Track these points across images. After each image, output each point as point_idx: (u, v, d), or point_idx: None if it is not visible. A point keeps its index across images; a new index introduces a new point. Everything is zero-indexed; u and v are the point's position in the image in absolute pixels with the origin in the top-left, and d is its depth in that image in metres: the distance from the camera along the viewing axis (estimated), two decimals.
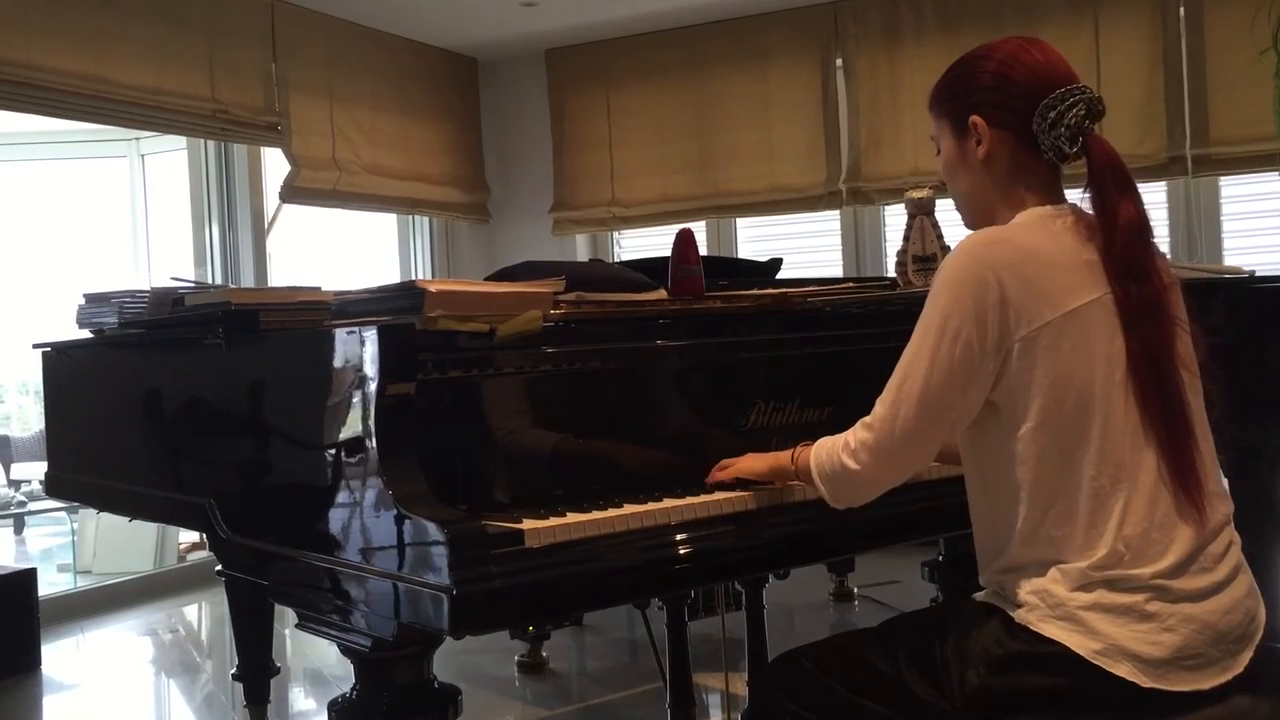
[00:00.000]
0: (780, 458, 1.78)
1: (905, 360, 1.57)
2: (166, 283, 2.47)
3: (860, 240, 6.18)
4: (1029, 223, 1.61)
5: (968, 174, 1.69)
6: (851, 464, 1.61)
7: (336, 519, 1.65)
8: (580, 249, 6.77)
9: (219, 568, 2.42)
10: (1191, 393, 1.56)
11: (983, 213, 1.70)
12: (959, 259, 1.55)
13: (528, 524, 1.51)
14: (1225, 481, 1.62)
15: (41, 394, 2.91)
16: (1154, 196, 5.41)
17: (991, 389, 1.54)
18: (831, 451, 1.64)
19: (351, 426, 1.61)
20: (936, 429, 1.57)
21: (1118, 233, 1.53)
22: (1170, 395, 1.51)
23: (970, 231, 1.68)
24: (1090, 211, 1.59)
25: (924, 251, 2.47)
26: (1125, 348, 1.51)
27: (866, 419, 1.60)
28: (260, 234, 5.73)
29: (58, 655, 4.36)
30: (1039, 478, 1.52)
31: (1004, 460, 1.55)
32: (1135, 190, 1.57)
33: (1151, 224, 1.58)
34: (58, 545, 7.11)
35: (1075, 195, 1.64)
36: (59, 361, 2.81)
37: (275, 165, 5.68)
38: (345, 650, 1.71)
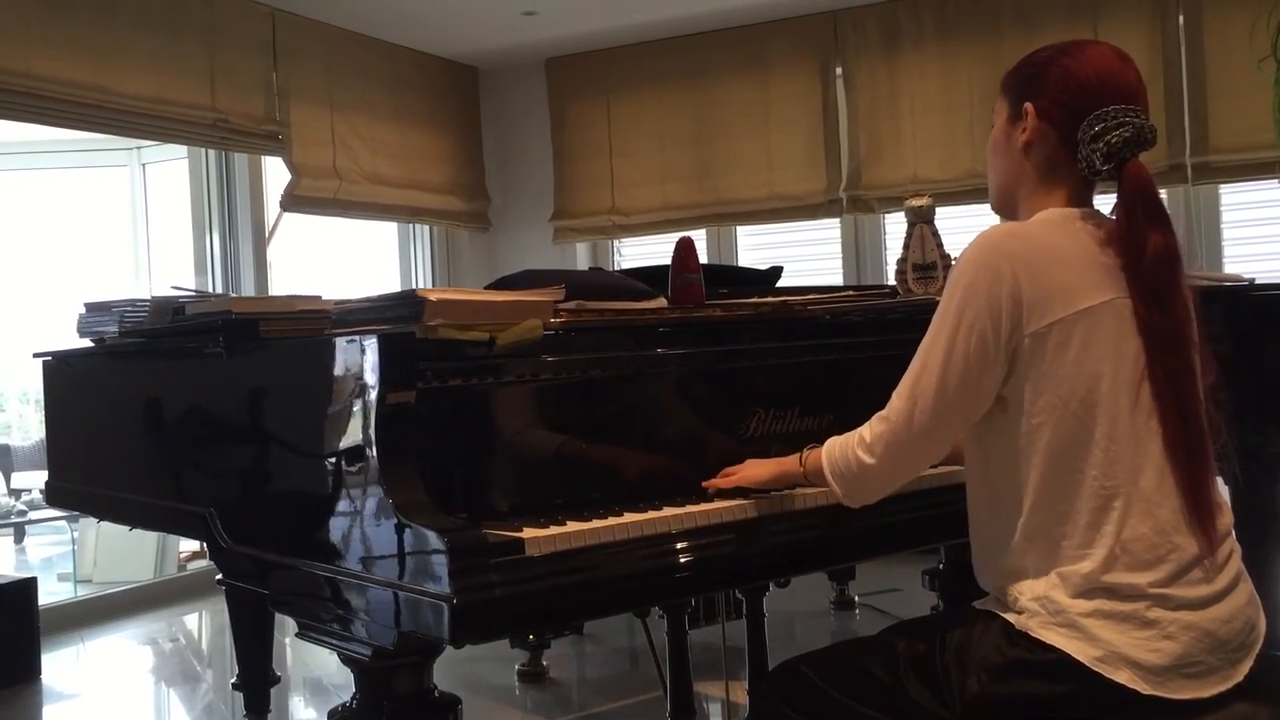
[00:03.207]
0: (785, 463, 1.78)
1: (922, 352, 1.58)
2: (167, 291, 2.47)
3: (860, 248, 6.18)
4: (1048, 220, 1.62)
5: (1005, 158, 1.69)
6: (868, 459, 1.62)
7: (337, 528, 1.65)
8: (580, 257, 6.77)
9: (219, 577, 2.41)
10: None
11: (1008, 200, 1.71)
12: (975, 252, 1.56)
13: (528, 533, 1.51)
14: (1226, 491, 1.63)
15: (42, 403, 2.91)
16: None
17: (1002, 383, 1.55)
18: (845, 448, 1.65)
19: (352, 435, 1.61)
20: (953, 421, 1.58)
21: (1145, 261, 1.52)
22: (1191, 421, 1.52)
23: (994, 214, 1.70)
24: (1113, 219, 1.58)
25: (924, 260, 2.48)
26: (1148, 371, 1.51)
27: (882, 413, 1.61)
28: (261, 243, 5.73)
29: (58, 665, 4.35)
30: (1043, 475, 1.52)
31: (1009, 455, 1.56)
32: (1166, 220, 1.55)
33: (1182, 254, 1.56)
34: (58, 554, 7.11)
35: (1101, 203, 1.64)
36: (59, 370, 2.82)
37: (276, 174, 5.68)
38: (345, 659, 1.70)
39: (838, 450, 1.67)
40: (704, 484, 1.80)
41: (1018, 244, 1.56)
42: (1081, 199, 1.65)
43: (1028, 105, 1.64)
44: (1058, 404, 1.51)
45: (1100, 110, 1.57)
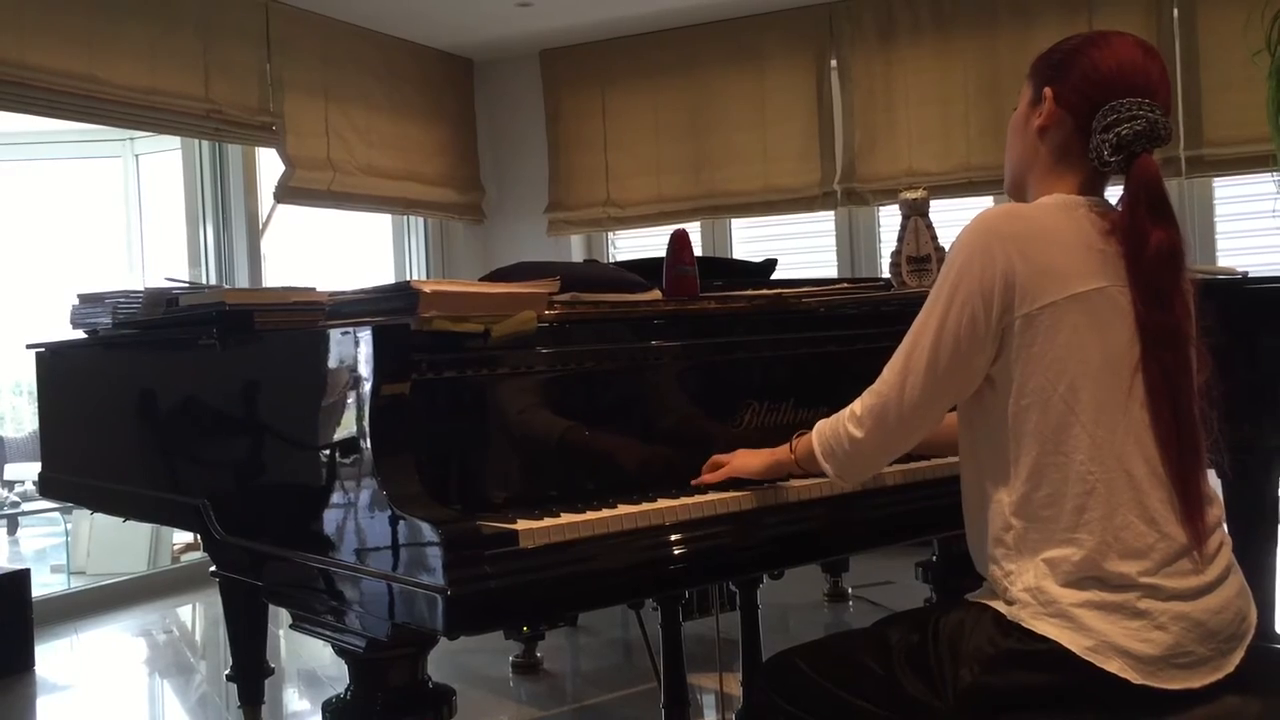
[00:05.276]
0: (776, 451, 1.79)
1: (915, 328, 1.60)
2: (161, 283, 2.47)
3: (855, 241, 6.18)
4: (1051, 203, 1.62)
5: (1022, 140, 1.70)
6: (858, 433, 1.63)
7: (331, 519, 1.65)
8: (575, 249, 6.77)
9: (213, 568, 2.42)
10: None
11: (1019, 182, 1.72)
12: (971, 231, 1.57)
13: (522, 525, 1.51)
14: (1218, 484, 1.63)
15: (35, 394, 2.91)
16: None
17: (991, 363, 1.56)
18: (835, 425, 1.67)
19: (346, 427, 1.61)
20: (943, 396, 1.60)
21: (1146, 257, 1.52)
22: (1184, 416, 1.52)
23: (1006, 197, 1.71)
24: (1119, 210, 1.58)
25: (918, 252, 2.48)
26: (1144, 367, 1.52)
27: (873, 386, 1.63)
28: (255, 234, 5.72)
29: (51, 656, 4.35)
30: (1032, 456, 1.53)
31: (999, 435, 1.57)
32: (1170, 217, 1.55)
33: (1185, 252, 1.55)
34: (51, 546, 7.09)
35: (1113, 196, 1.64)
36: (53, 362, 2.81)
37: (270, 165, 5.67)
38: (339, 651, 1.71)
39: (828, 429, 1.69)
40: (695, 482, 1.80)
41: (1014, 224, 1.57)
42: (1091, 189, 1.64)
43: (1047, 90, 1.64)
44: (1045, 386, 1.52)
45: (1116, 101, 1.57)
